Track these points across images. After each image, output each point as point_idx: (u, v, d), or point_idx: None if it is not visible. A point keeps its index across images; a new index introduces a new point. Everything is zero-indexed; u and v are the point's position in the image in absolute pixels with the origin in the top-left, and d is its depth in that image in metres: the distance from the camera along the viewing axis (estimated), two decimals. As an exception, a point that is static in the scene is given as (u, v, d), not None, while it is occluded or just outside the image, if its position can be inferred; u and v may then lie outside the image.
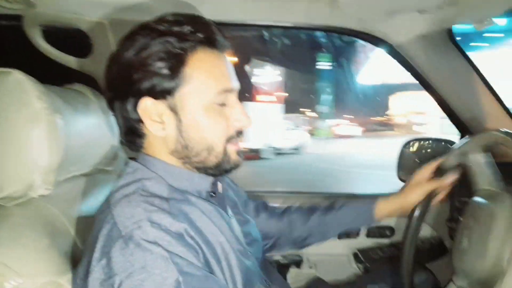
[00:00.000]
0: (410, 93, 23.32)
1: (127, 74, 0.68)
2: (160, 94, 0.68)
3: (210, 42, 0.71)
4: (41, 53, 1.18)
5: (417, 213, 0.94)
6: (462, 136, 1.33)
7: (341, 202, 1.06)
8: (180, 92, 0.68)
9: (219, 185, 0.81)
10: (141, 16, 0.72)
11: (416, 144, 1.45)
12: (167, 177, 0.72)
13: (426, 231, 1.47)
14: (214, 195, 0.79)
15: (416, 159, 1.44)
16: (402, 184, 1.04)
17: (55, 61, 1.20)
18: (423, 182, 0.99)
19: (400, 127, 24.21)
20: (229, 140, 0.74)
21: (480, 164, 0.90)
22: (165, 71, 0.67)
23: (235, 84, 0.75)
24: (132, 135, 0.74)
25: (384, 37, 1.17)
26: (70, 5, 1.05)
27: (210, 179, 0.79)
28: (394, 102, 26.48)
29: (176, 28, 0.68)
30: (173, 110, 0.69)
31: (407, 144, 1.44)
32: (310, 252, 1.53)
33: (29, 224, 0.69)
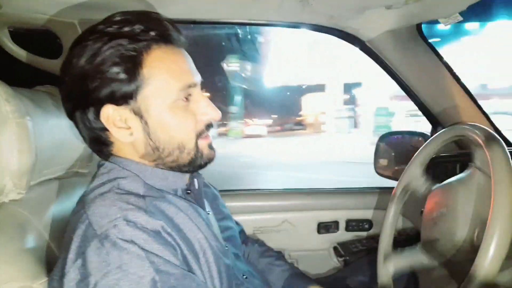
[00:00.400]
0: (318, 94, 24.76)
1: (83, 84, 0.65)
2: (121, 99, 0.66)
3: (165, 38, 0.69)
4: (9, 55, 1.15)
5: None
6: (433, 129, 1.36)
7: (287, 266, 1.05)
8: (141, 95, 0.67)
9: (195, 182, 0.81)
10: None
11: (391, 138, 1.49)
12: (143, 176, 0.71)
13: (402, 223, 1.50)
14: (190, 192, 0.79)
15: (392, 153, 1.48)
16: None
17: (24, 63, 1.17)
18: None
19: (310, 126, 25.38)
20: (199, 135, 0.73)
21: None
22: (122, 76, 0.65)
23: (197, 78, 0.73)
24: (98, 144, 0.72)
25: (355, 33, 1.19)
26: (38, 5, 1.03)
27: (186, 176, 0.78)
28: (305, 103, 27.84)
29: (126, 29, 0.65)
30: (138, 113, 0.68)
31: (382, 138, 1.47)
32: (291, 247, 1.55)
33: (0, 229, 0.68)
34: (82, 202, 0.66)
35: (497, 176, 0.67)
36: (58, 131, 0.87)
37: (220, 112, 0.75)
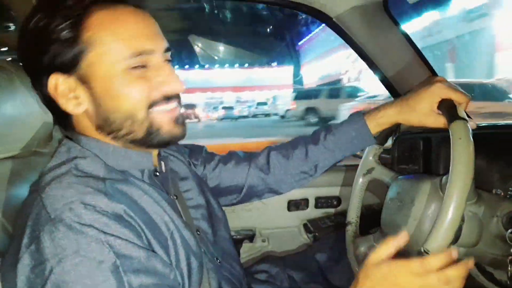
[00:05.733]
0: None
1: (29, 49, 0.64)
2: (66, 66, 0.63)
3: None
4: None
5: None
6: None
7: (323, 131, 0.99)
8: (86, 61, 0.63)
9: (163, 164, 0.78)
10: None
11: None
12: (103, 156, 0.67)
13: (369, 199, 1.54)
14: (158, 174, 0.75)
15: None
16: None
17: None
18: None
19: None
20: (152, 105, 0.66)
21: None
22: (65, 39, 0.61)
23: (157, 44, 0.67)
24: (58, 116, 0.69)
25: (322, 9, 1.18)
26: None
27: (152, 156, 0.74)
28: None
29: None
30: (84, 82, 0.64)
31: None
32: (262, 226, 1.57)
33: None
34: (37, 184, 0.63)
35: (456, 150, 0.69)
36: (12, 107, 0.82)
37: (183, 84, 0.69)
